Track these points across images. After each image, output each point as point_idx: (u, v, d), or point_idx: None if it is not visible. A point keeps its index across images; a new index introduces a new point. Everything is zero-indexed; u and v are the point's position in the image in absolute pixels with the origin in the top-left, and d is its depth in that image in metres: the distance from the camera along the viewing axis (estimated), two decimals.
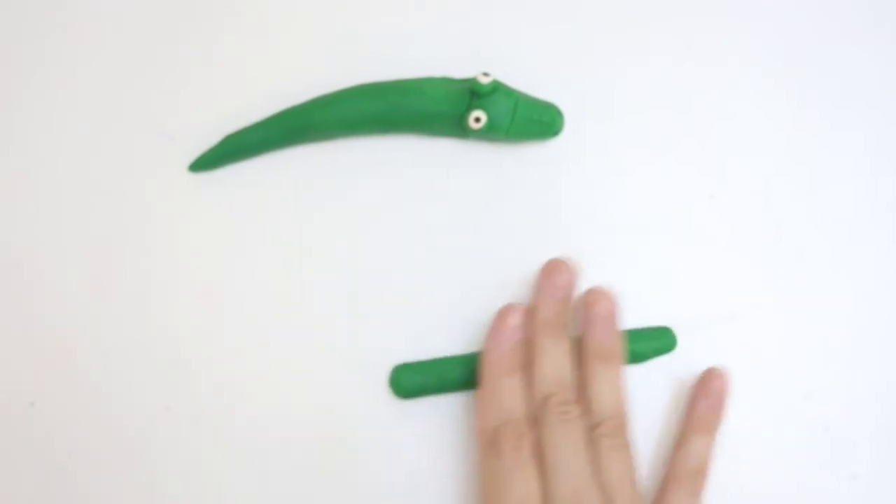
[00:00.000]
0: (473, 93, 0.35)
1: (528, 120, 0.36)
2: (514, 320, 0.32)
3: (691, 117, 0.38)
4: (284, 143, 0.38)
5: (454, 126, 0.36)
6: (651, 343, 0.35)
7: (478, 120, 0.35)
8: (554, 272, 0.33)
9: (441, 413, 0.34)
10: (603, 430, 0.30)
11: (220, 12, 0.40)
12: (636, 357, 0.34)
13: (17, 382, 0.35)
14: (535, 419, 0.30)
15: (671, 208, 0.37)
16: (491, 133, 0.36)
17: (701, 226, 0.37)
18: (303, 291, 0.36)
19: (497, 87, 0.35)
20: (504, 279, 0.36)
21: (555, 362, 0.31)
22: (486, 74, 0.35)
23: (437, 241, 0.36)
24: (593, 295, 0.33)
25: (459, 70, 0.37)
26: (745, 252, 0.36)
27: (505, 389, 0.31)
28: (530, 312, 0.32)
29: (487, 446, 0.30)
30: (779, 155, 0.38)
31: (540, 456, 0.29)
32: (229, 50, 0.40)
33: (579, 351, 0.32)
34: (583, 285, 0.35)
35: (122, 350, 0.36)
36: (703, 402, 0.33)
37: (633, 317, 0.35)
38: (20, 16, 0.41)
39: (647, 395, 0.34)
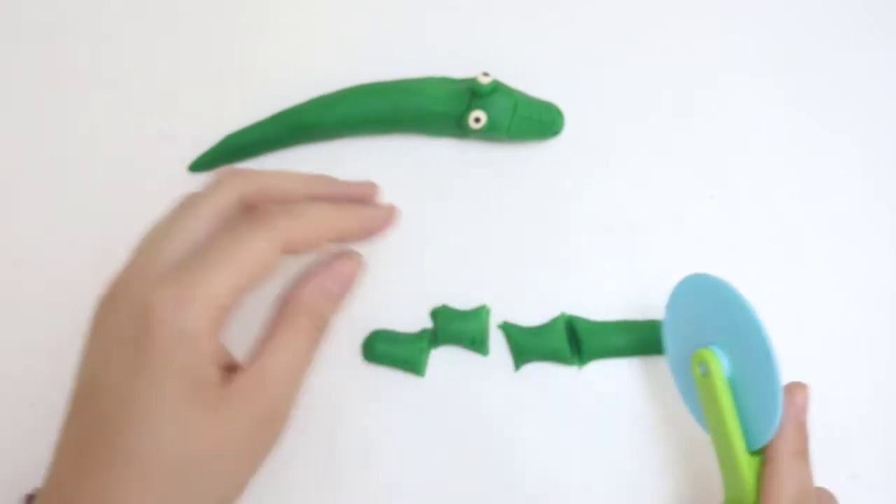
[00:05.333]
0: (473, 93, 0.35)
1: (528, 120, 0.36)
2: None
3: (691, 118, 0.38)
4: (284, 143, 0.38)
5: (454, 126, 0.36)
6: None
7: (478, 120, 0.35)
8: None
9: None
10: None
11: (220, 13, 0.40)
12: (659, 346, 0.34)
13: (17, 382, 0.35)
14: None
15: (671, 208, 0.37)
16: (491, 133, 0.36)
17: (701, 226, 0.37)
18: None
19: (497, 87, 0.35)
20: (504, 278, 0.36)
21: None
22: (486, 74, 0.35)
23: (436, 241, 0.36)
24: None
25: (459, 70, 0.37)
26: (745, 252, 0.36)
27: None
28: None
29: None
30: (778, 156, 0.38)
31: None
32: (230, 50, 0.40)
33: None
34: (583, 285, 0.35)
35: None
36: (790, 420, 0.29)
37: (634, 317, 0.35)
38: (21, 16, 0.41)
39: (647, 398, 0.34)
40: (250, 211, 0.28)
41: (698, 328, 0.29)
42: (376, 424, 0.34)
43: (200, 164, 0.38)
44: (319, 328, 0.28)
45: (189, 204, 0.28)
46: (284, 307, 0.28)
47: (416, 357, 0.34)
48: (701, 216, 0.37)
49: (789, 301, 0.36)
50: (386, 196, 0.37)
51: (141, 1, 0.41)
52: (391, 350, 0.34)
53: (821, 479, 0.34)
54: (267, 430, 0.26)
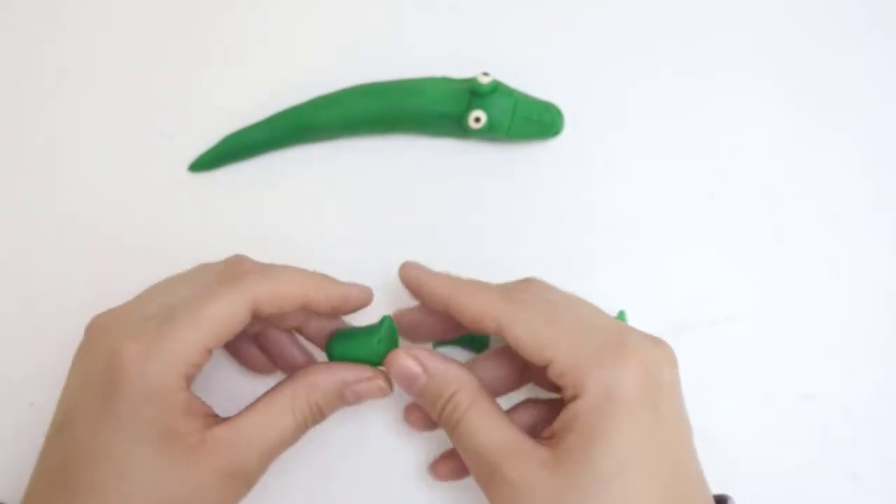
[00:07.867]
0: (473, 93, 0.35)
1: (528, 120, 0.36)
2: None
3: (691, 118, 0.38)
4: (284, 143, 0.38)
5: (454, 126, 0.36)
6: None
7: (478, 120, 0.35)
8: None
9: None
10: None
11: (220, 13, 0.40)
12: None
13: (18, 382, 0.35)
14: None
15: (671, 209, 0.37)
16: (491, 133, 0.36)
17: (700, 226, 0.37)
18: None
19: (497, 87, 0.35)
20: (504, 278, 0.36)
21: None
22: (486, 74, 0.35)
23: (436, 241, 0.36)
24: None
25: (459, 70, 0.37)
26: (745, 252, 0.36)
27: None
28: None
29: None
30: (778, 156, 0.38)
31: None
32: (229, 50, 0.40)
33: None
34: (583, 285, 0.35)
35: None
36: None
37: (634, 317, 0.35)
38: (21, 15, 0.41)
39: None
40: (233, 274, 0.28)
41: None
42: (375, 424, 0.34)
43: (200, 164, 0.38)
44: (314, 420, 0.28)
45: (190, 272, 0.29)
46: (296, 380, 0.28)
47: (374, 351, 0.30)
48: (701, 216, 0.37)
49: (789, 301, 0.36)
50: (386, 196, 0.38)
51: (140, 1, 0.41)
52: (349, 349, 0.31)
53: (821, 478, 0.34)
54: (232, 487, 0.26)
